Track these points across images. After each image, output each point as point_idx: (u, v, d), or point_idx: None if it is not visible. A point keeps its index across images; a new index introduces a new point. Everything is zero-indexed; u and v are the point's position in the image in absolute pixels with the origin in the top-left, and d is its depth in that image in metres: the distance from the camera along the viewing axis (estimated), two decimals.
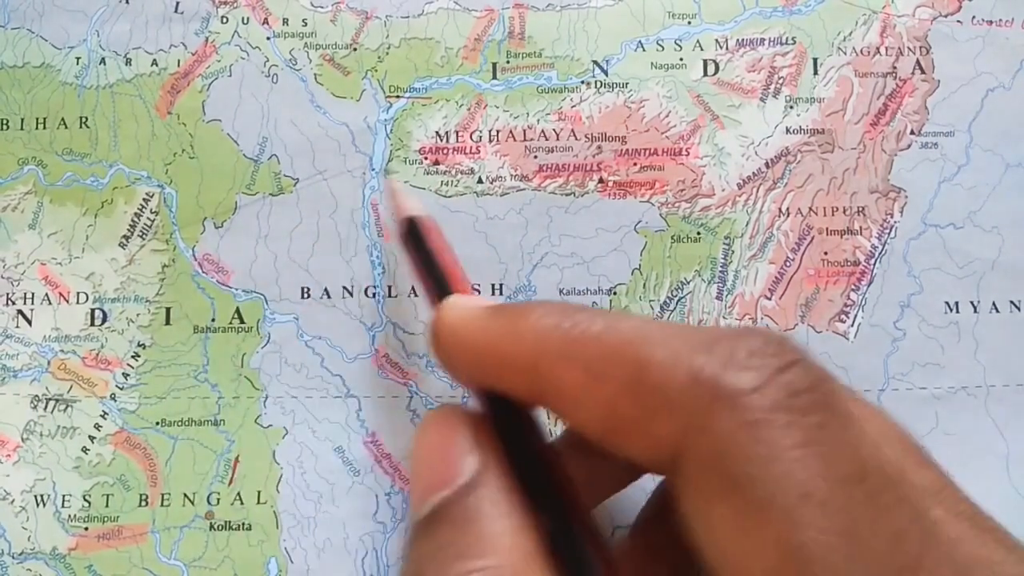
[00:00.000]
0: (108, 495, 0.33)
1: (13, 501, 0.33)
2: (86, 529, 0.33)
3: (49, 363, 0.34)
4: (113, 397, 0.33)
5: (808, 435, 0.18)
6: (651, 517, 0.28)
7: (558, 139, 0.35)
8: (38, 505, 0.33)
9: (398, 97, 0.35)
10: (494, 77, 0.35)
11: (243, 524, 0.33)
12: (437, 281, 0.28)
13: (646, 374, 0.19)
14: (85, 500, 0.33)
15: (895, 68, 0.35)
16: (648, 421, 0.19)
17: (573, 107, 0.35)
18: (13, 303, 0.34)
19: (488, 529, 0.21)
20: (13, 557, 0.33)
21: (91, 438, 0.33)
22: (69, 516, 0.33)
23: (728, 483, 0.18)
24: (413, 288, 0.34)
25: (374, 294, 0.34)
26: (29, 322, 0.34)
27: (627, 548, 0.27)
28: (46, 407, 0.34)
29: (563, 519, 0.22)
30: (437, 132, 0.35)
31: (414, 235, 0.29)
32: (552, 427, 0.32)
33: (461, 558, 0.20)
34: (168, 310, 0.34)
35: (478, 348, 0.23)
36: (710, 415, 0.18)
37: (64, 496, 0.33)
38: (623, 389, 0.20)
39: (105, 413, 0.33)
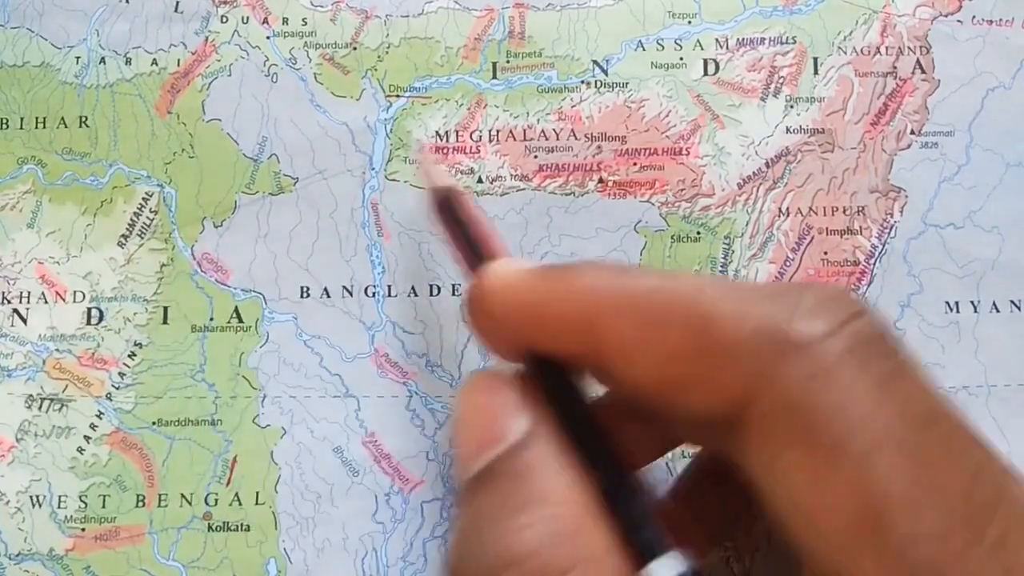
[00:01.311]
0: (105, 496, 0.33)
1: (8, 502, 0.33)
2: (83, 530, 0.32)
3: (44, 362, 0.34)
4: (109, 397, 0.33)
5: (880, 381, 0.18)
6: (689, 484, 0.28)
7: (558, 139, 0.35)
8: (34, 506, 0.33)
9: (398, 96, 0.35)
10: (494, 77, 0.35)
11: (241, 525, 0.32)
12: (474, 250, 0.28)
13: (710, 324, 0.19)
14: (81, 501, 0.33)
15: (895, 68, 0.35)
16: (713, 372, 0.19)
17: (573, 107, 0.35)
18: (8, 302, 0.34)
19: (543, 484, 0.21)
20: (10, 558, 0.32)
21: (87, 438, 0.33)
22: (65, 517, 0.33)
23: (801, 431, 0.18)
24: (413, 288, 0.34)
25: (374, 294, 0.34)
26: (24, 321, 0.34)
27: (667, 511, 0.27)
28: (41, 407, 0.33)
29: (616, 477, 0.22)
30: (437, 132, 0.35)
31: (448, 206, 0.29)
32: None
33: (518, 511, 0.20)
34: (166, 309, 0.34)
35: (527, 309, 0.23)
36: (779, 363, 0.18)
37: (60, 497, 0.33)
38: (685, 341, 0.20)
39: (101, 413, 0.33)
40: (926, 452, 0.17)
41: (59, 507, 0.33)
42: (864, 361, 0.18)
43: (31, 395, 0.33)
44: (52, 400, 0.33)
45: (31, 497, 0.33)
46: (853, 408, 0.18)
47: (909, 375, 0.19)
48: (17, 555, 0.32)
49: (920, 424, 0.18)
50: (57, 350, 0.34)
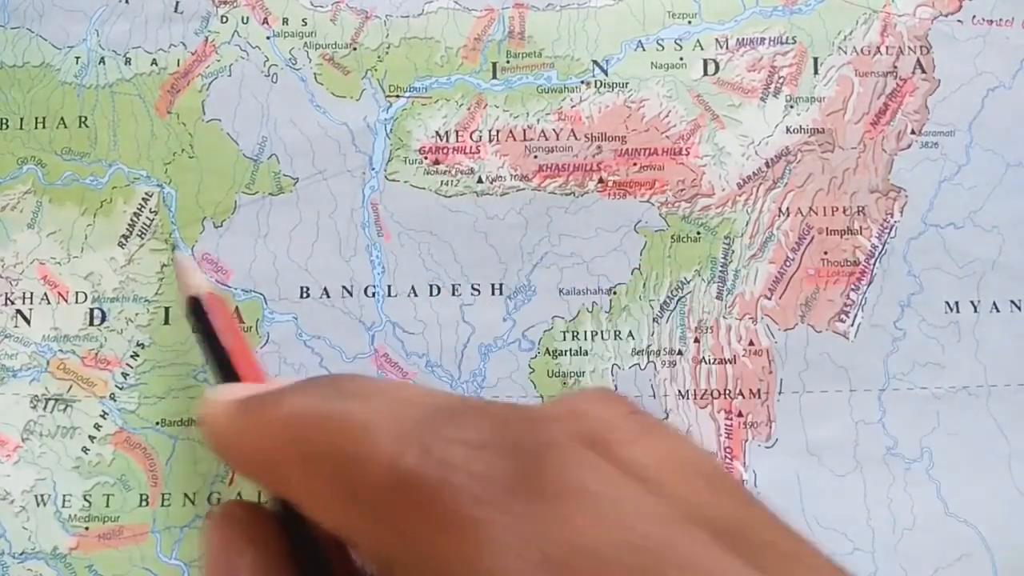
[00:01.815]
0: (108, 495, 0.33)
1: (13, 501, 0.33)
2: (87, 529, 0.33)
3: (48, 363, 0.34)
4: (112, 397, 0.33)
5: (503, 530, 0.16)
6: None
7: (558, 139, 0.35)
8: (38, 505, 0.33)
9: (398, 96, 0.35)
10: (494, 77, 0.35)
11: None
12: (218, 366, 0.27)
13: (352, 471, 0.17)
14: (85, 500, 0.33)
15: (895, 67, 0.35)
16: (360, 524, 0.18)
17: (573, 107, 0.35)
18: (12, 303, 0.34)
19: None
20: (14, 557, 0.33)
21: (91, 438, 0.33)
22: (70, 516, 0.33)
23: None
24: (413, 287, 0.34)
25: (373, 294, 0.34)
26: (28, 322, 0.34)
27: None
28: (46, 407, 0.34)
29: None
30: (437, 132, 0.35)
31: (198, 315, 0.28)
32: None
33: None
34: (167, 310, 0.34)
35: (225, 446, 0.22)
36: (410, 515, 0.17)
37: (64, 496, 0.33)
38: (335, 488, 0.18)
39: (105, 413, 0.33)
40: None
41: (63, 506, 0.33)
42: (487, 508, 0.16)
43: (36, 395, 0.34)
44: (56, 400, 0.34)
45: (36, 496, 0.33)
46: (470, 563, 0.16)
47: (538, 515, 0.16)
48: (21, 554, 0.33)
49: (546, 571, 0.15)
50: (61, 351, 0.34)
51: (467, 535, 0.16)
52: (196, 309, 0.29)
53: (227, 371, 0.27)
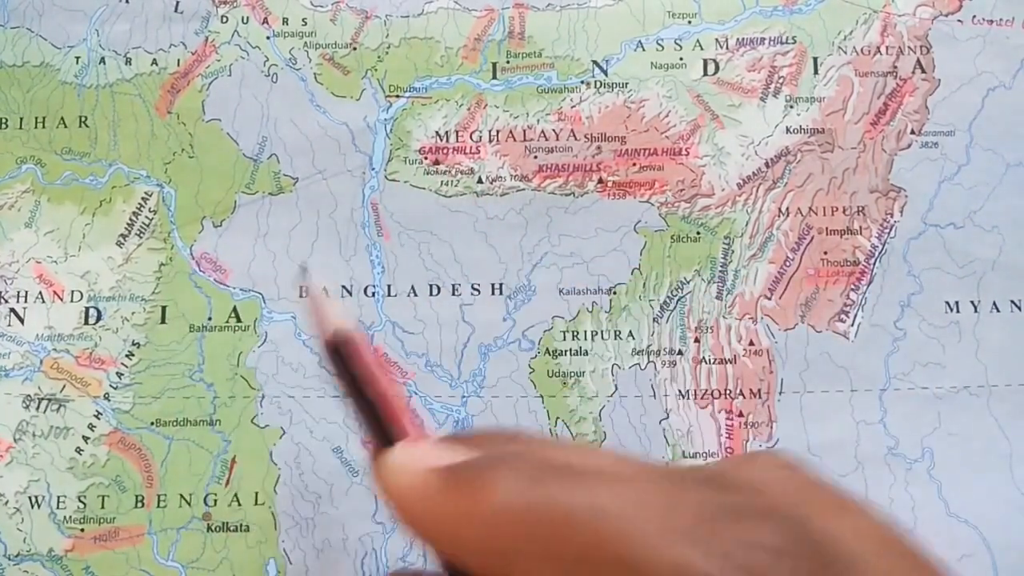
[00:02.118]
0: (103, 496, 0.33)
1: (7, 502, 0.33)
2: (82, 531, 0.32)
3: (41, 362, 0.33)
4: (107, 397, 0.33)
5: None
6: None
7: (558, 139, 0.35)
8: (32, 507, 0.33)
9: (398, 96, 0.35)
10: (494, 77, 0.35)
11: (241, 525, 0.32)
12: (372, 415, 0.23)
13: (618, 565, 0.17)
14: (80, 501, 0.33)
15: (895, 67, 0.35)
16: None
17: (573, 107, 0.35)
18: (5, 301, 0.34)
19: None
20: (9, 559, 0.32)
21: (85, 438, 0.33)
22: (64, 518, 0.32)
23: None
24: (413, 287, 0.34)
25: (373, 293, 0.34)
26: (21, 320, 0.34)
27: None
28: (39, 407, 0.33)
29: None
30: (437, 132, 0.35)
31: (342, 356, 0.24)
32: None
33: None
34: (164, 309, 0.34)
35: (428, 524, 0.21)
36: None
37: (59, 497, 0.33)
38: None
39: (99, 413, 0.33)
40: None
41: (58, 507, 0.32)
42: None
43: (29, 395, 0.33)
44: (50, 400, 0.33)
45: (30, 498, 0.33)
46: None
47: None
48: (16, 556, 0.32)
49: None
50: (55, 350, 0.34)
51: None
52: (341, 351, 0.24)
53: (383, 424, 0.23)
